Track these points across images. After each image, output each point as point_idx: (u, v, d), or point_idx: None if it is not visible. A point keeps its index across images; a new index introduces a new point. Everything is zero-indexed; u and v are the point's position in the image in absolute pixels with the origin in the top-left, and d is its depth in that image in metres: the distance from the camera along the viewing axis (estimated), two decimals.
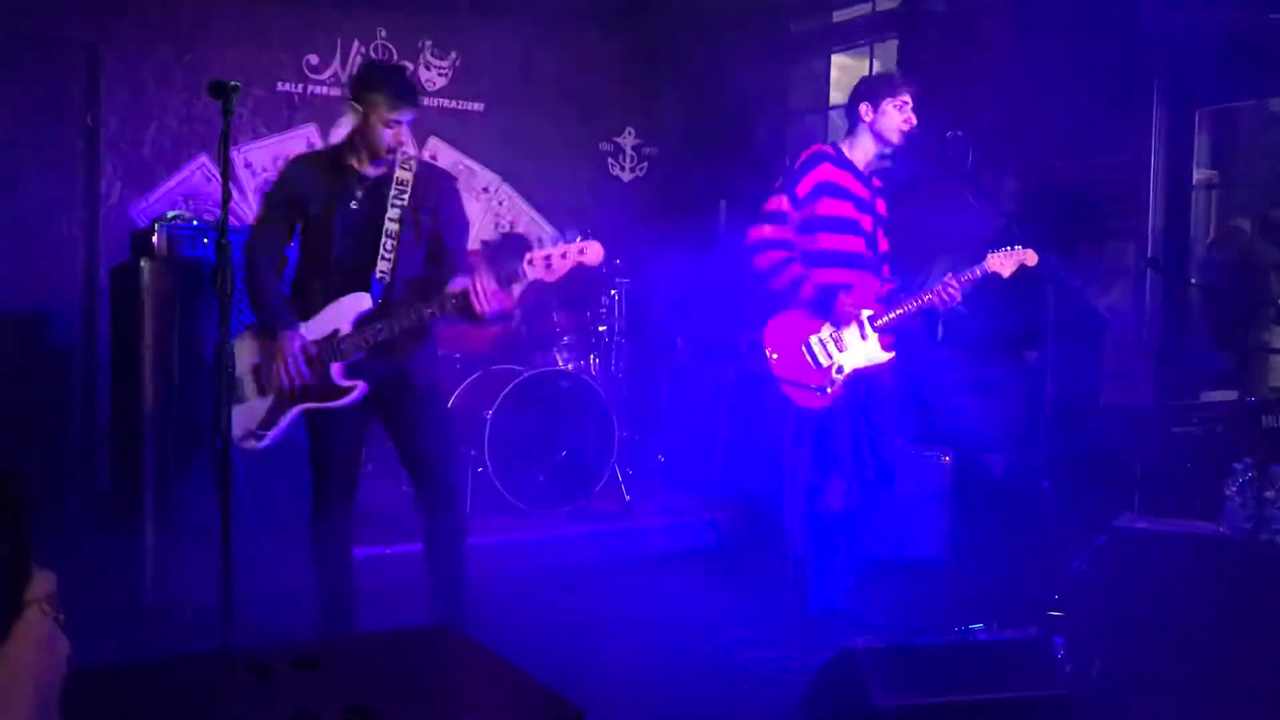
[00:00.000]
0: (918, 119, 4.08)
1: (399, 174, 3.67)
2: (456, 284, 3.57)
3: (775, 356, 4.02)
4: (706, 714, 3.52)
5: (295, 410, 3.59)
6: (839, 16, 7.02)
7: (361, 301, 3.60)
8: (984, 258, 4.03)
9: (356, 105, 3.57)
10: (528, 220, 7.03)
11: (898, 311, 4.03)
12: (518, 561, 5.03)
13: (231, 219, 3.25)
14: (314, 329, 3.59)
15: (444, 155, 6.75)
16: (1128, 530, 4.18)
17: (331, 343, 3.58)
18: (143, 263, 4.26)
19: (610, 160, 7.37)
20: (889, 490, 4.23)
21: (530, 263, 3.50)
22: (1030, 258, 4.04)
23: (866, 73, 6.84)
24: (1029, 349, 5.17)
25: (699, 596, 4.72)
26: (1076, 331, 4.92)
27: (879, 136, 4.08)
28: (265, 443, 3.60)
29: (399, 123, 3.55)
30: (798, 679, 3.50)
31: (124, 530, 4.41)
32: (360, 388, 3.61)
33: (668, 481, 6.38)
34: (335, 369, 3.58)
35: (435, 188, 3.77)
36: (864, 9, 6.83)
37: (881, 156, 4.14)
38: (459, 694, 2.19)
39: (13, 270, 5.55)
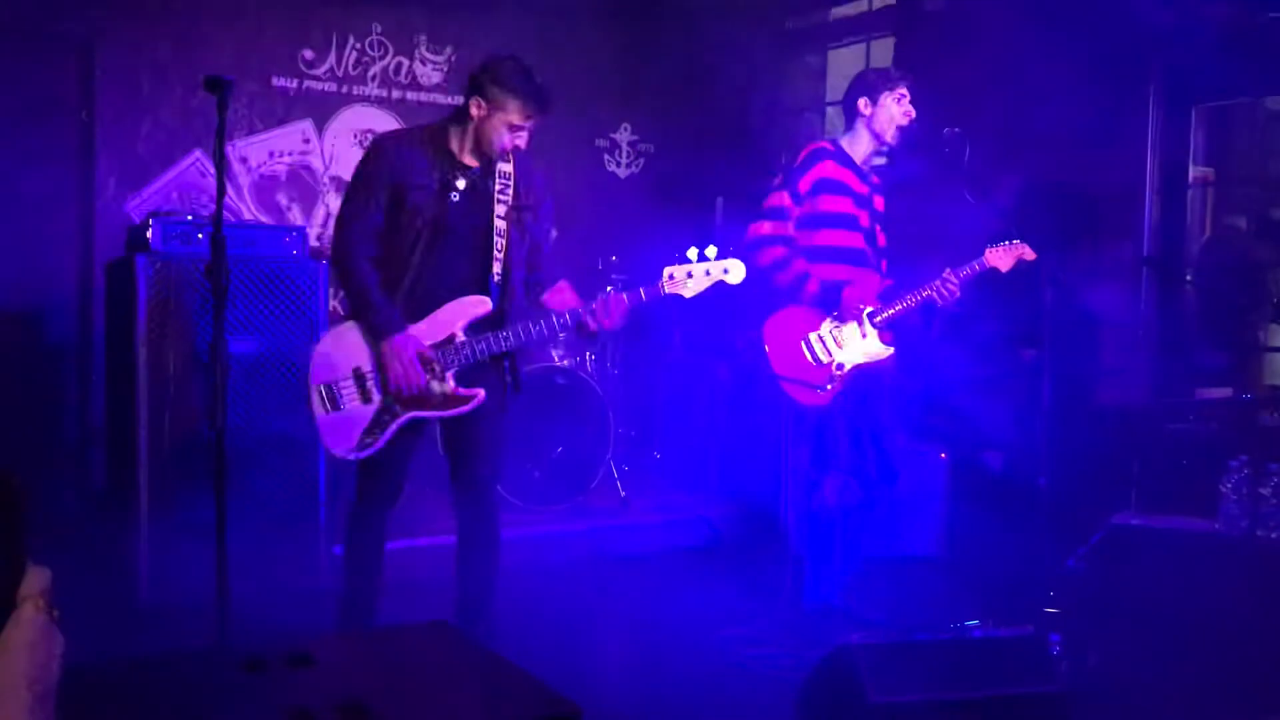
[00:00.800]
0: (915, 115, 4.08)
1: (501, 166, 3.48)
2: (561, 295, 3.50)
3: (775, 354, 4.01)
4: (703, 710, 3.52)
5: (406, 417, 3.39)
6: (836, 13, 7.02)
7: (482, 305, 3.42)
8: (982, 252, 4.03)
9: (482, 100, 3.36)
10: None
11: (897, 307, 4.02)
12: (514, 558, 4.99)
13: (226, 214, 3.23)
14: (428, 331, 3.40)
15: None
16: (1124, 527, 4.19)
17: (450, 348, 3.40)
18: (137, 258, 4.24)
19: (606, 156, 7.35)
20: (891, 487, 4.22)
21: (671, 278, 3.35)
22: (1028, 252, 4.04)
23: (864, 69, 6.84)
24: (1026, 347, 5.17)
25: (695, 593, 4.72)
26: (1073, 329, 4.93)
27: (877, 131, 4.08)
28: (369, 451, 3.40)
29: (523, 130, 3.39)
30: (794, 676, 3.50)
31: (119, 527, 4.40)
32: (479, 396, 3.42)
33: (664, 478, 6.38)
34: (451, 376, 3.41)
35: (535, 184, 3.60)
36: (861, 6, 6.83)
37: (879, 152, 4.14)
38: (455, 691, 2.19)
39: (7, 266, 5.52)
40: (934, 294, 3.98)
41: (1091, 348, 5.30)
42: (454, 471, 3.62)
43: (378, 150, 3.44)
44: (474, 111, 3.38)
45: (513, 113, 3.35)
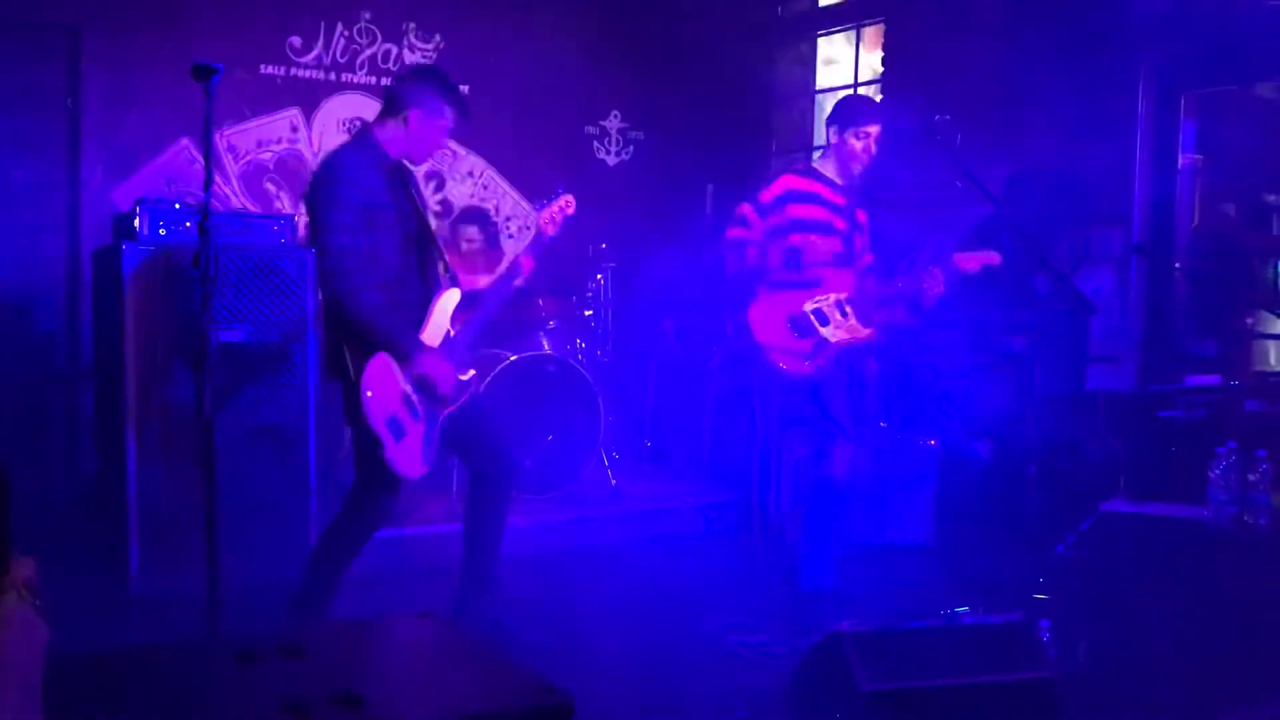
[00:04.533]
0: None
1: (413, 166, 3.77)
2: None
3: (759, 326, 4.11)
4: (695, 698, 3.52)
5: (443, 418, 3.60)
6: (825, 0, 7.01)
7: (455, 297, 3.65)
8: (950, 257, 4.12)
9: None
10: (512, 204, 7.00)
11: (872, 295, 4.12)
12: (504, 547, 5.01)
13: (214, 202, 3.21)
14: (430, 336, 3.60)
15: None
16: (1113, 514, 4.19)
17: (448, 342, 3.64)
18: (124, 245, 4.21)
19: (596, 144, 7.33)
20: (865, 473, 4.29)
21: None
22: (992, 258, 4.11)
23: (853, 57, 6.86)
24: (1016, 334, 5.18)
25: (686, 581, 4.73)
26: (1062, 317, 4.93)
27: (841, 161, 4.22)
28: (433, 462, 3.60)
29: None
30: (785, 663, 3.51)
31: (109, 516, 4.38)
32: (473, 375, 3.70)
33: (655, 466, 6.38)
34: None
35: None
36: None
37: (847, 177, 4.22)
38: (448, 680, 2.18)
39: None
40: (910, 285, 4.07)
41: (1080, 335, 5.31)
42: (470, 454, 3.78)
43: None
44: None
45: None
